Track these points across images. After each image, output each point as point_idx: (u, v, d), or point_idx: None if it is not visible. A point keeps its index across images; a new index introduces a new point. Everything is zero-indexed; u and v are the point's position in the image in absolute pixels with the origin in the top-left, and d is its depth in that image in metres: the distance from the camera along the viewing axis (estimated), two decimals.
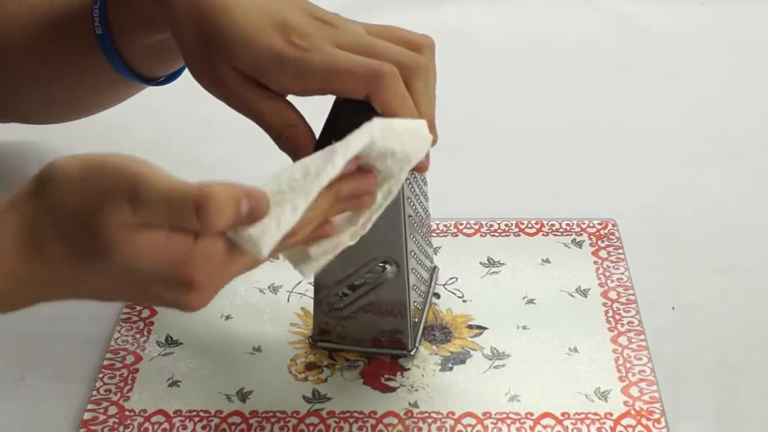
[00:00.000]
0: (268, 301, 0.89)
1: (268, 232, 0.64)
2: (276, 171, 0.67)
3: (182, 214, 0.62)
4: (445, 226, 0.96)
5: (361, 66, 0.73)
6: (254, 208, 0.63)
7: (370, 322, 0.82)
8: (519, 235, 0.95)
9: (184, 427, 0.78)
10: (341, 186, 0.68)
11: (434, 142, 0.75)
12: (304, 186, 0.65)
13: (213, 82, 0.77)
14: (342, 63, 0.73)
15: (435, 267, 0.90)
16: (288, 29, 0.74)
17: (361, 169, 0.69)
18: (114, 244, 0.62)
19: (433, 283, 0.89)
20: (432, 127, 0.75)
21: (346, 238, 0.72)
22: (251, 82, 0.76)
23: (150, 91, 1.14)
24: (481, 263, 0.92)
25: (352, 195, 0.69)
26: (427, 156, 0.77)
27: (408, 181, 0.79)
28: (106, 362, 0.83)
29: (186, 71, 0.81)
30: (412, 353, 0.83)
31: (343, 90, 0.74)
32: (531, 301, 0.88)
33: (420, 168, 0.76)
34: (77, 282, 0.64)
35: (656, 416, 0.77)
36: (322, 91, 0.74)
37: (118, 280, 0.64)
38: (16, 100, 0.97)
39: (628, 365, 0.82)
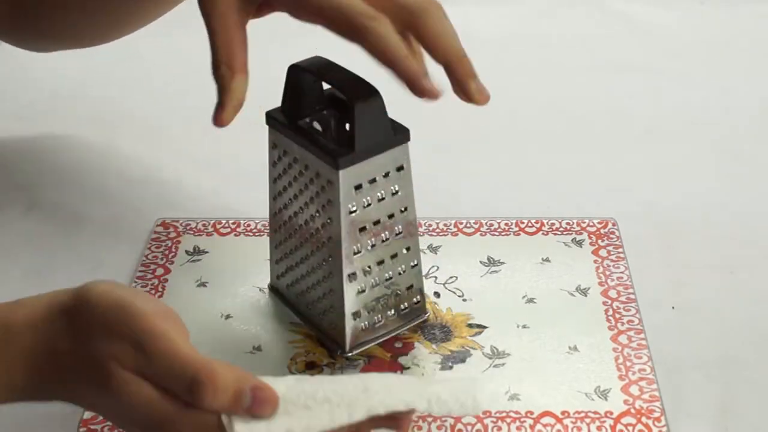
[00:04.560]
0: (268, 301, 0.89)
1: None
2: (306, 378, 0.66)
3: (178, 384, 0.63)
4: (445, 225, 0.96)
5: (350, 8, 0.73)
6: (257, 407, 0.64)
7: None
8: (519, 234, 0.95)
9: None
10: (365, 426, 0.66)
11: (467, 77, 0.75)
12: (314, 412, 0.64)
13: None
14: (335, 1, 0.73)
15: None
16: None
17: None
18: (113, 381, 0.64)
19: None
20: (464, 60, 0.75)
21: None
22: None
23: (154, 85, 1.14)
24: (481, 262, 0.92)
25: None
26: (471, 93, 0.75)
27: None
28: None
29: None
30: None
31: (330, 26, 0.74)
32: (531, 300, 0.88)
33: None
34: (85, 397, 0.67)
35: (656, 415, 0.77)
36: (312, 20, 0.74)
37: (118, 414, 0.66)
38: (52, 18, 0.96)
39: (628, 364, 0.82)
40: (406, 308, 0.84)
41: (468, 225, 0.96)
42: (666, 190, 1.03)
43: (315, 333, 0.85)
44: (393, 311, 0.83)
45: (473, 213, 0.98)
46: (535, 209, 0.98)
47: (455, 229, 0.96)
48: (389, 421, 0.66)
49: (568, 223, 0.96)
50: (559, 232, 0.95)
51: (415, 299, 0.84)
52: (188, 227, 0.97)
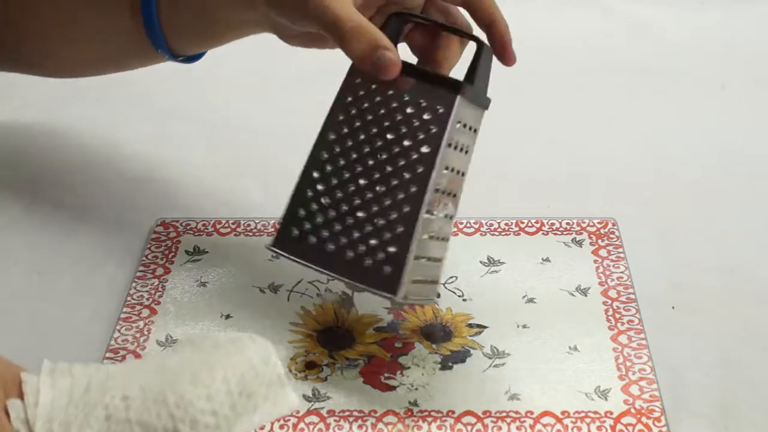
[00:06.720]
0: (268, 301, 0.89)
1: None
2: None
3: None
4: None
5: None
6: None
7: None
8: (519, 234, 0.95)
9: None
10: None
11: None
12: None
13: None
14: None
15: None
16: None
17: None
18: None
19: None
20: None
21: None
22: None
23: (152, 90, 1.13)
24: (481, 262, 0.92)
25: None
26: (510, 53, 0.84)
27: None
28: (106, 362, 0.83)
29: (202, 58, 0.85)
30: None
31: None
32: (531, 300, 0.88)
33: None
34: None
35: (656, 415, 0.77)
36: None
37: None
38: (42, 52, 0.97)
39: (628, 364, 0.82)
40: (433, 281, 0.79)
41: (468, 225, 0.96)
42: (666, 190, 1.03)
43: (348, 283, 0.79)
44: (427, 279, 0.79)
45: (473, 213, 0.98)
46: (535, 209, 0.98)
47: (455, 229, 0.96)
48: None
49: (568, 223, 0.96)
50: (559, 232, 0.95)
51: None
52: (188, 227, 0.97)
